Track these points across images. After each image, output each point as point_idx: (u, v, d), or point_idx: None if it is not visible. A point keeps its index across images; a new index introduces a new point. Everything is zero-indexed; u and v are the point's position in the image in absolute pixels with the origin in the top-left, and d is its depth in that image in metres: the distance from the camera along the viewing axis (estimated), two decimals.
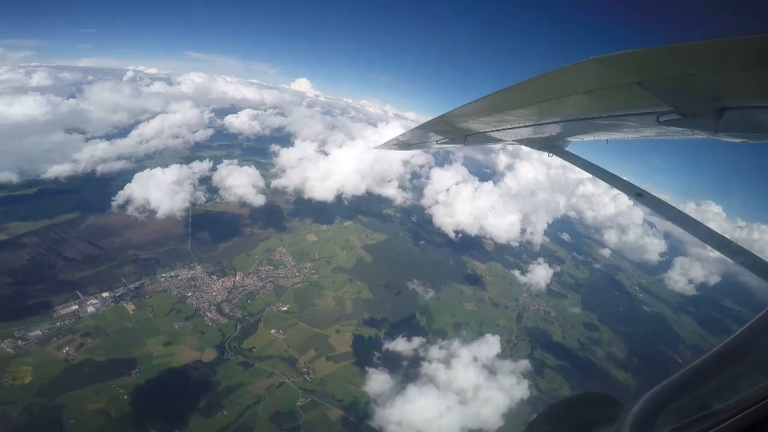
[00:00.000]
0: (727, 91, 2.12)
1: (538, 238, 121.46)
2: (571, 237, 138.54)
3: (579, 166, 4.47)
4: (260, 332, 61.53)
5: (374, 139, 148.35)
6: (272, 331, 62.13)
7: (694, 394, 1.63)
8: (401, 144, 7.53)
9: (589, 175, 4.41)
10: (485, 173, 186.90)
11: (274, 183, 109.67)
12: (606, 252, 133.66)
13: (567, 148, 4.74)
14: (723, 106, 2.18)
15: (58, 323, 53.87)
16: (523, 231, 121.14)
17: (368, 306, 73.01)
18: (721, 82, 1.99)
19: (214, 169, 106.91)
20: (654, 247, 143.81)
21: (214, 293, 67.63)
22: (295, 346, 60.46)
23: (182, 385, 49.48)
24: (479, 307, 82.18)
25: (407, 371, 58.66)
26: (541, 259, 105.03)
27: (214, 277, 71.68)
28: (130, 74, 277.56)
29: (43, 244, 70.60)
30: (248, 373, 53.82)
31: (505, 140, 5.15)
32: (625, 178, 3.98)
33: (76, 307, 57.37)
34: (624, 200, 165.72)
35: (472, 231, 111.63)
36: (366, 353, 61.81)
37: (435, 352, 62.99)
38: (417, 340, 65.23)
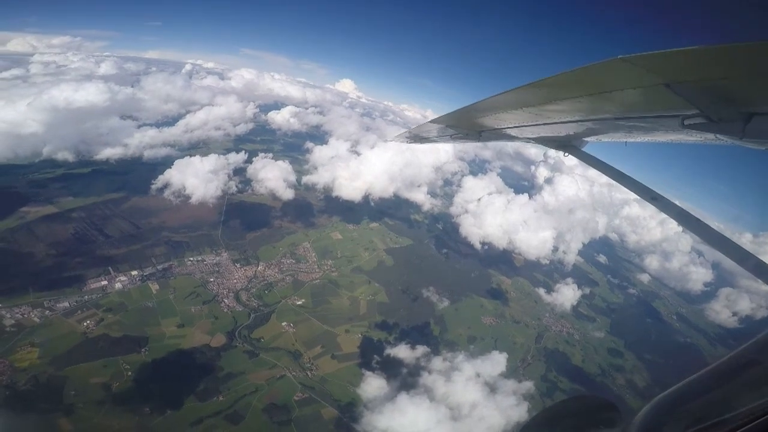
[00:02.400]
0: (756, 96, 2.05)
1: (571, 257, 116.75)
2: (608, 259, 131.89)
3: (595, 167, 4.49)
4: (272, 323, 62.81)
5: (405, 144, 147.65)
6: (283, 324, 63.32)
7: (704, 402, 1.64)
8: (414, 137, 7.60)
9: (608, 177, 4.39)
10: (523, 185, 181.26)
11: (306, 179, 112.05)
12: (645, 277, 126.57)
13: (584, 149, 4.73)
14: (751, 111, 2.10)
15: (86, 297, 57.43)
16: (555, 249, 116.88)
17: (382, 309, 72.79)
18: (751, 86, 1.93)
19: (249, 161, 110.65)
20: (699, 276, 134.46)
21: (234, 281, 69.84)
22: (303, 340, 61.29)
23: (186, 367, 51.18)
24: (498, 323, 79.89)
25: (405, 379, 57.86)
26: (569, 280, 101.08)
27: (238, 265, 74.01)
28: (188, 67, 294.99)
29: (88, 219, 75.73)
30: (252, 362, 54.96)
31: (520, 138, 5.14)
32: (641, 181, 3.95)
33: (105, 282, 61.05)
34: (672, 226, 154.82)
35: (501, 244, 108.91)
36: (372, 356, 61.66)
37: (438, 363, 61.86)
38: (425, 349, 64.22)
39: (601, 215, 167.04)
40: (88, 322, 53.63)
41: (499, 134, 4.98)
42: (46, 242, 66.41)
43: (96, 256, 66.66)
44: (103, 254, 67.67)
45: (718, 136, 2.40)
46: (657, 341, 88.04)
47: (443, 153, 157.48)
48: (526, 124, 4.08)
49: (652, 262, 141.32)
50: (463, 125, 5.34)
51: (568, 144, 4.72)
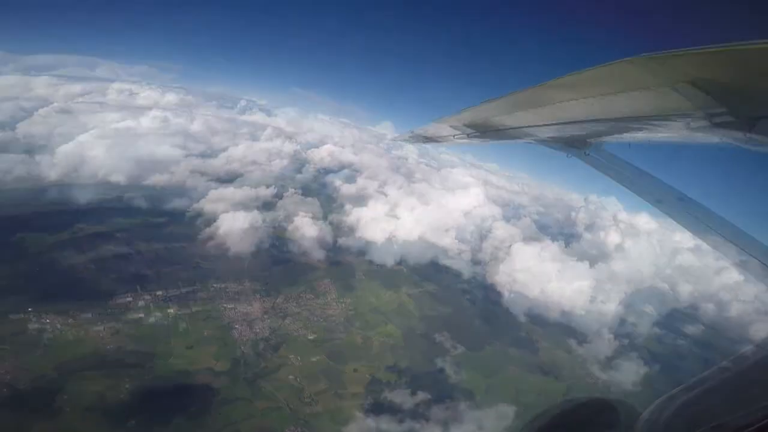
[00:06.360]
0: None
1: (611, 307, 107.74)
2: (655, 309, 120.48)
3: (600, 170, 4.49)
4: (279, 354, 62.53)
5: (437, 186, 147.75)
6: (291, 356, 62.75)
7: (706, 405, 1.64)
8: (417, 137, 7.67)
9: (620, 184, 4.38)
10: (561, 233, 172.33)
11: (333, 217, 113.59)
12: (698, 328, 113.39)
13: (590, 150, 4.73)
14: None
15: (109, 310, 60.44)
16: (593, 299, 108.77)
17: (396, 351, 70.52)
18: None
19: (279, 196, 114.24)
20: (763, 326, 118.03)
21: (251, 309, 70.62)
22: (307, 375, 60.20)
23: (184, 387, 51.41)
24: (522, 373, 74.48)
25: (400, 425, 54.55)
26: (606, 330, 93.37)
27: (258, 296, 74.99)
28: (243, 103, 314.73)
29: (131, 240, 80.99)
30: (250, 390, 54.38)
31: (525, 138, 5.19)
32: (649, 184, 3.96)
33: (130, 299, 64.08)
34: (732, 275, 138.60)
35: (531, 293, 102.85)
36: (375, 397, 59.26)
37: (439, 411, 57.86)
38: (433, 396, 60.68)
39: (648, 264, 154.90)
40: (103, 333, 55.96)
41: (503, 134, 4.94)
42: (88, 257, 71.40)
43: (128, 274, 70.47)
44: (135, 273, 71.48)
45: (748, 135, 2.26)
46: None
47: (474, 197, 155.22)
48: (532, 125, 4.04)
49: (707, 312, 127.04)
50: (468, 125, 5.28)
51: (573, 145, 4.68)
